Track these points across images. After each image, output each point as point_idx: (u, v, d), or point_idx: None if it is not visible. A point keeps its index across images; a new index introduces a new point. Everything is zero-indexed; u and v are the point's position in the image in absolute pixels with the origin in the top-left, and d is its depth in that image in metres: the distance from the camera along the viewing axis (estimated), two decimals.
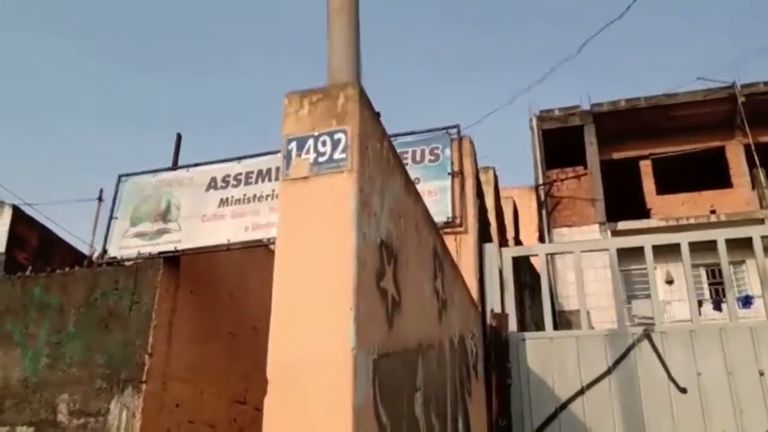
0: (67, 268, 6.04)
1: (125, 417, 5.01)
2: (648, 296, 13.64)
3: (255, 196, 5.64)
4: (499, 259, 5.24)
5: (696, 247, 5.31)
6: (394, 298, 2.69)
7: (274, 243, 5.70)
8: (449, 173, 5.20)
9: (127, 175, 6.32)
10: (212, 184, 5.87)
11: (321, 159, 2.55)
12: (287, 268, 2.41)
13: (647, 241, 5.32)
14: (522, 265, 7.30)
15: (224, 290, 6.43)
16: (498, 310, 5.01)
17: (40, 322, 5.61)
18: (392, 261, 2.73)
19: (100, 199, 22.20)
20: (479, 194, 5.55)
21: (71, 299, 5.63)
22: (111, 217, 6.14)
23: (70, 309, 5.60)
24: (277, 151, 5.75)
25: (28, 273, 6.12)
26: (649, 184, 18.52)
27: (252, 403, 6.60)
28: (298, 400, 2.19)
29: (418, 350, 3.00)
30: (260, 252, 6.93)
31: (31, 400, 5.32)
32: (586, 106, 18.64)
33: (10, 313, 5.72)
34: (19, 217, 12.78)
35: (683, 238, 5.27)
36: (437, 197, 5.05)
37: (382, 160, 2.80)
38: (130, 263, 5.83)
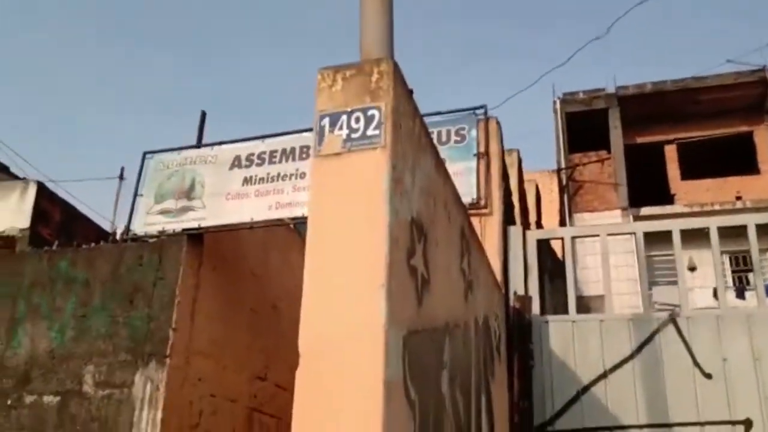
0: (92, 244, 6.10)
1: (149, 389, 5.09)
2: (670, 283, 13.52)
3: (279, 174, 5.65)
4: (523, 242, 5.22)
5: (720, 234, 5.24)
6: (423, 277, 2.69)
7: (297, 222, 5.75)
8: (475, 154, 5.17)
9: (152, 152, 6.34)
10: (236, 163, 5.88)
11: (354, 135, 2.54)
12: (319, 244, 2.41)
13: (675, 225, 5.27)
14: (542, 249, 7.28)
15: (246, 268, 6.48)
16: (521, 292, 5.00)
17: (67, 296, 5.68)
18: (422, 239, 2.73)
19: (121, 177, 22.39)
20: (504, 176, 5.51)
21: (97, 274, 5.70)
22: (136, 194, 6.17)
23: (95, 283, 5.66)
24: (301, 131, 5.77)
25: (54, 247, 6.20)
26: (673, 169, 18.27)
27: (272, 379, 6.67)
28: (330, 374, 2.20)
29: (446, 329, 3.00)
30: (282, 231, 6.97)
31: (58, 371, 5.41)
32: (611, 89, 18.36)
33: (38, 286, 5.81)
34: (43, 193, 12.91)
35: (712, 223, 5.21)
36: (462, 178, 5.01)
37: (413, 138, 2.78)
38: (154, 240, 5.87)
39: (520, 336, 4.80)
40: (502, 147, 5.49)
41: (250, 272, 6.53)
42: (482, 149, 5.20)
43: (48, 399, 5.36)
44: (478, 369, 3.63)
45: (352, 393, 2.16)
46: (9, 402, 5.43)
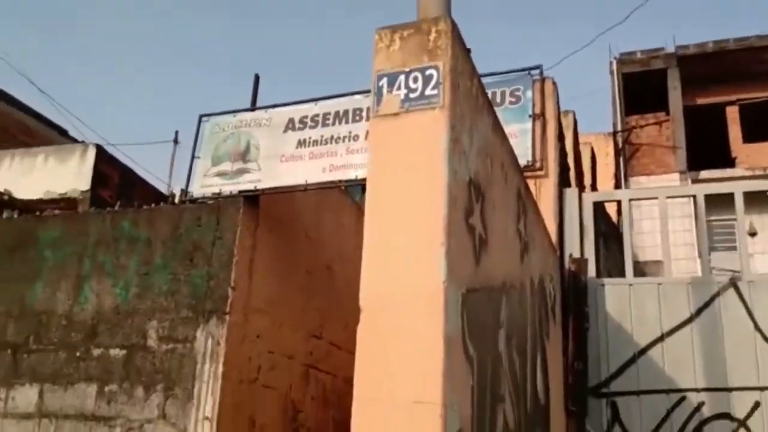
0: (153, 205, 6.28)
1: (210, 344, 5.26)
2: (728, 248, 13.17)
3: (332, 137, 5.68)
4: (579, 204, 5.16)
5: None
6: (481, 236, 2.71)
7: (350, 184, 5.79)
8: (530, 115, 5.08)
9: (208, 115, 6.44)
10: (290, 125, 5.93)
11: (412, 95, 2.55)
12: (378, 203, 2.44)
13: (737, 188, 5.11)
14: (597, 212, 7.18)
15: (301, 230, 6.57)
16: (577, 255, 4.96)
17: (130, 254, 5.87)
18: (480, 199, 2.74)
19: (175, 141, 22.95)
20: (560, 138, 5.42)
21: (158, 234, 5.86)
22: (193, 157, 6.29)
23: (157, 243, 5.82)
24: (354, 93, 5.78)
25: (116, 208, 6.39)
26: (735, 131, 17.63)
27: (327, 338, 6.82)
28: (390, 330, 2.26)
29: (502, 288, 3.02)
30: (335, 193, 7.04)
31: (123, 326, 5.62)
32: (670, 49, 17.72)
33: (102, 245, 6.01)
34: (102, 156, 13.23)
35: None
36: (517, 140, 4.94)
37: (471, 98, 2.77)
38: (212, 201, 5.99)
39: (576, 298, 4.77)
40: (558, 108, 5.39)
41: (305, 234, 6.63)
42: (538, 110, 5.11)
43: (114, 352, 5.58)
44: (533, 329, 3.64)
45: (413, 348, 2.21)
46: (78, 354, 5.68)
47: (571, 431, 4.63)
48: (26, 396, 5.65)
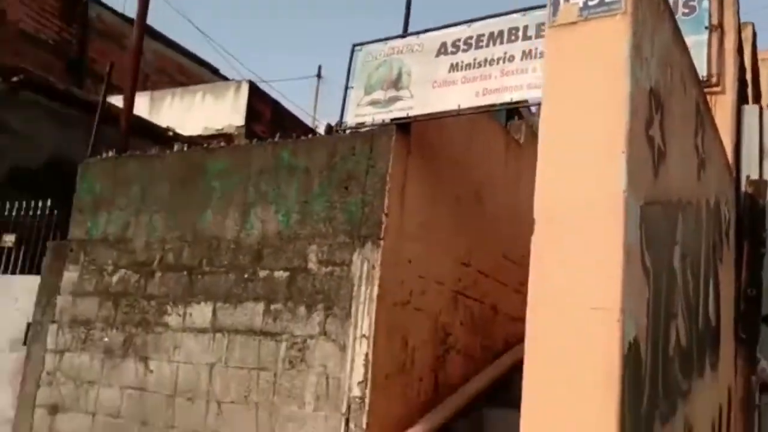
0: (310, 135, 6.54)
1: (366, 268, 5.49)
2: None
3: (486, 60, 5.55)
4: (760, 122, 4.74)
5: None
6: (659, 148, 2.60)
7: (504, 108, 5.68)
8: (706, 27, 4.67)
9: (361, 44, 6.49)
10: (442, 50, 5.85)
11: (591, 3, 2.45)
12: (556, 113, 2.41)
13: None
14: None
15: (451, 156, 6.57)
16: (755, 176, 4.61)
17: (290, 183, 6.18)
18: (659, 110, 2.61)
19: (318, 75, 23.63)
20: (739, 51, 4.96)
21: (315, 163, 6.11)
22: (347, 87, 6.41)
23: (314, 171, 6.09)
24: (509, 12, 5.58)
25: (276, 139, 6.72)
26: None
27: (475, 266, 6.87)
28: (567, 238, 2.25)
29: (679, 205, 2.90)
30: (484, 119, 6.94)
31: (286, 250, 5.99)
32: None
33: (264, 174, 6.37)
34: (254, 92, 13.88)
35: None
36: (692, 53, 4.59)
37: (653, 3, 2.62)
38: (365, 130, 6.13)
39: (752, 222, 4.46)
40: (738, 19, 4.92)
41: (455, 160, 6.63)
42: (715, 21, 4.68)
43: (278, 274, 5.98)
44: (707, 251, 3.48)
45: (591, 256, 2.20)
46: (246, 276, 6.15)
47: (741, 358, 4.42)
48: (201, 313, 6.22)
